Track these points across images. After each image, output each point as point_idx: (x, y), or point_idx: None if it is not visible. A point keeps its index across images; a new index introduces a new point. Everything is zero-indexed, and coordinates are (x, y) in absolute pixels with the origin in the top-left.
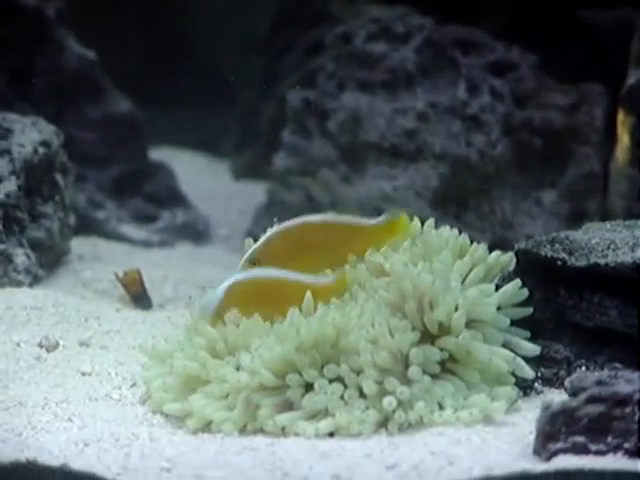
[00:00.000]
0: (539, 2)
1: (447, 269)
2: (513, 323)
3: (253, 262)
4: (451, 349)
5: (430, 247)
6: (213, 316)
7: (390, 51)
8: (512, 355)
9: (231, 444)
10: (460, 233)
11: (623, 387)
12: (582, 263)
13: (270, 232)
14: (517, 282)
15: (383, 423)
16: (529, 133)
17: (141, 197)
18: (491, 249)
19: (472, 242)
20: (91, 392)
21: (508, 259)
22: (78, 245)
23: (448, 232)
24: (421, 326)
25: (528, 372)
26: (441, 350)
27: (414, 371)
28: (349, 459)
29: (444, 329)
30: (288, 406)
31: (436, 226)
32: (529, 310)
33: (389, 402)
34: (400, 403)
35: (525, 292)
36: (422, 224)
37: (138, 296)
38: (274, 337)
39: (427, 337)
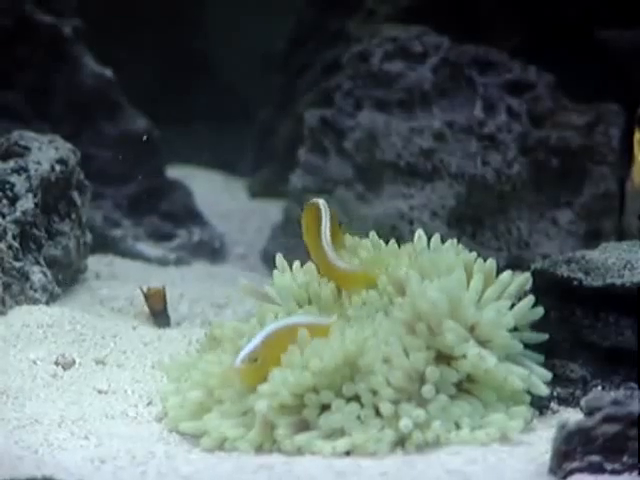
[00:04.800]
0: (556, 21)
1: (462, 287)
2: (528, 345)
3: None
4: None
5: (440, 264)
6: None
7: (407, 70)
8: (527, 372)
9: (247, 462)
10: (470, 251)
11: (638, 407)
12: (598, 283)
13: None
14: (530, 298)
15: (399, 442)
16: (545, 153)
17: (157, 215)
18: (507, 268)
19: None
20: (107, 410)
21: (525, 280)
22: (94, 263)
23: (455, 248)
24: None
25: (543, 389)
26: (458, 371)
27: (427, 389)
28: (365, 477)
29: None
30: (304, 425)
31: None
32: (545, 336)
33: (405, 425)
34: (417, 424)
35: (540, 310)
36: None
37: (159, 312)
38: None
39: (443, 357)
